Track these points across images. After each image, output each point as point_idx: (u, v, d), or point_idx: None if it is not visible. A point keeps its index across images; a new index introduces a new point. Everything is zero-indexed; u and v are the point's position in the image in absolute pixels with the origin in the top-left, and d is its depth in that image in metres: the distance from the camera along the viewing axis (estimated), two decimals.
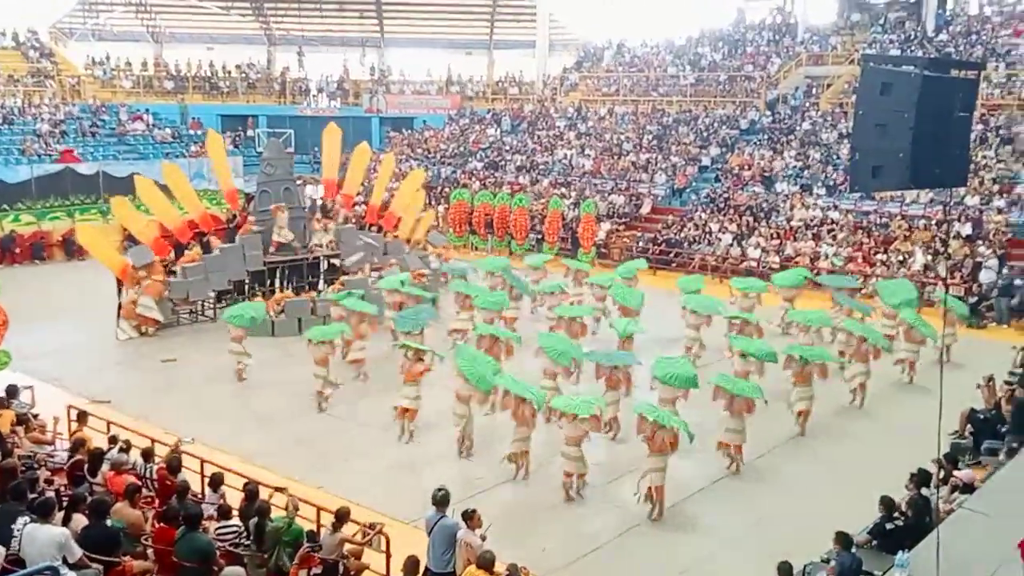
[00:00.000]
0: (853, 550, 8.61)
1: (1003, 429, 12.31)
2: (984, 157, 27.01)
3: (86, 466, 9.67)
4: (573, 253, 28.45)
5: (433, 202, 32.55)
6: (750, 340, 16.16)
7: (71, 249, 28.27)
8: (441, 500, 9.19)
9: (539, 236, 29.98)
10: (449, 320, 19.19)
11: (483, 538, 8.87)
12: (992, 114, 29.38)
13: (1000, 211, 24.93)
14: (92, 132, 33.88)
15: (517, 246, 30.33)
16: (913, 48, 33.15)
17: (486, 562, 8.08)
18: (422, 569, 8.51)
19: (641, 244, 28.94)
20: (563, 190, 32.90)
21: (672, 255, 27.62)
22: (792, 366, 14.50)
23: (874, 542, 9.35)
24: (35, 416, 11.99)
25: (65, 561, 7.03)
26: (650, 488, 11.43)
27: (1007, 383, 14.16)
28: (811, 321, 17.34)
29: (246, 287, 21.73)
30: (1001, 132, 28.22)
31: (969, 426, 12.70)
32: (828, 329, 18.14)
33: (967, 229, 24.53)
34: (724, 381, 13.02)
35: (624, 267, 21.75)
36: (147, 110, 37.19)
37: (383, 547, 9.32)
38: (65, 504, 8.23)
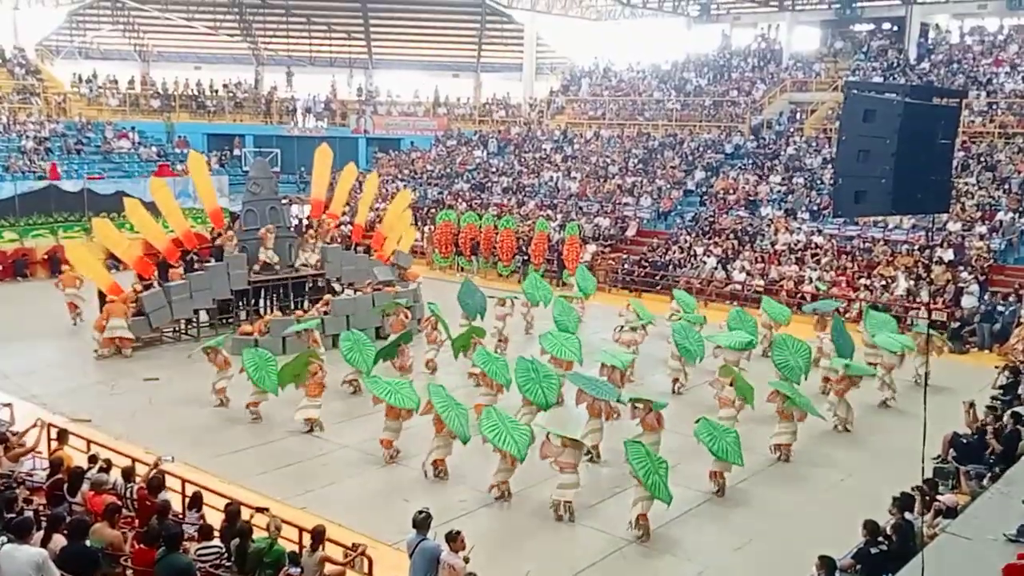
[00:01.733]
0: (837, 574, 8.61)
1: (987, 453, 12.37)
2: (966, 184, 27.29)
3: (65, 486, 9.55)
4: (558, 275, 28.52)
5: (419, 223, 32.57)
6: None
7: (55, 267, 28.07)
8: (422, 522, 9.13)
9: (525, 258, 30.02)
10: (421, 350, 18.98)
11: (466, 560, 8.82)
12: (973, 141, 29.74)
13: (982, 237, 25.17)
14: (77, 149, 33.78)
15: (503, 267, 30.36)
16: (896, 76, 33.55)
17: None
18: None
19: (626, 267, 29.02)
20: (549, 212, 33.01)
21: (657, 278, 27.70)
22: (776, 401, 14.48)
23: (858, 566, 9.35)
24: (14, 434, 11.83)
25: None
26: (640, 516, 11.50)
27: (988, 407, 14.26)
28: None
29: (231, 306, 21.67)
30: (982, 159, 28.55)
31: (952, 450, 12.74)
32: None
33: (949, 255, 24.73)
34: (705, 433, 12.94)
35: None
36: (133, 128, 37.12)
37: (365, 569, 9.26)
38: (44, 524, 8.12)
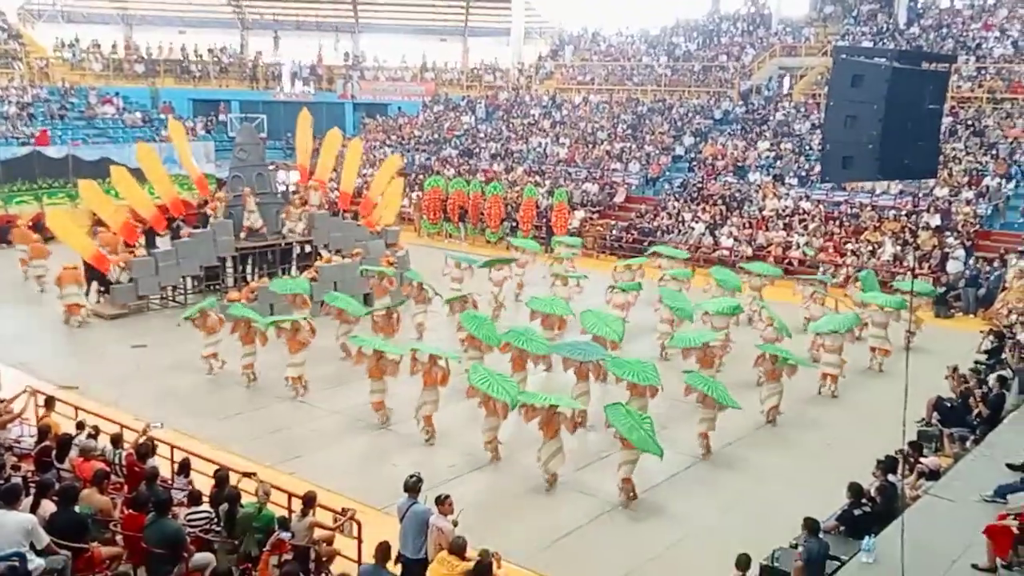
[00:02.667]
0: (821, 536, 8.72)
1: (970, 417, 12.50)
2: (953, 149, 27.32)
3: (54, 452, 9.56)
4: (547, 241, 28.50)
5: (407, 189, 32.42)
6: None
7: (40, 233, 27.82)
8: (413, 486, 9.19)
9: (513, 224, 29.96)
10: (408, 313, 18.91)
11: (455, 524, 8.88)
12: (962, 107, 29.75)
13: (968, 203, 25.25)
14: (60, 115, 33.42)
15: (491, 233, 30.31)
16: (885, 40, 33.44)
17: (458, 548, 8.09)
18: (394, 555, 8.52)
19: (614, 233, 29.01)
20: (537, 178, 32.90)
21: (646, 244, 27.70)
22: (763, 364, 14.57)
23: (841, 528, 9.48)
24: (1, 401, 11.81)
25: (33, 547, 6.97)
26: (624, 479, 11.59)
27: (972, 371, 14.41)
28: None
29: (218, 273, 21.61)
30: (970, 125, 28.56)
31: (936, 414, 12.87)
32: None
33: (936, 220, 24.82)
34: (695, 380, 13.19)
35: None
36: (117, 93, 36.72)
37: (355, 533, 9.31)
38: (33, 490, 8.14)
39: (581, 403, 13.71)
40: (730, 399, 12.84)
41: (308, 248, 22.69)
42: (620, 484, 11.62)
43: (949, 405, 12.96)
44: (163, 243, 22.13)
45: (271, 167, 25.43)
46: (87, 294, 20.50)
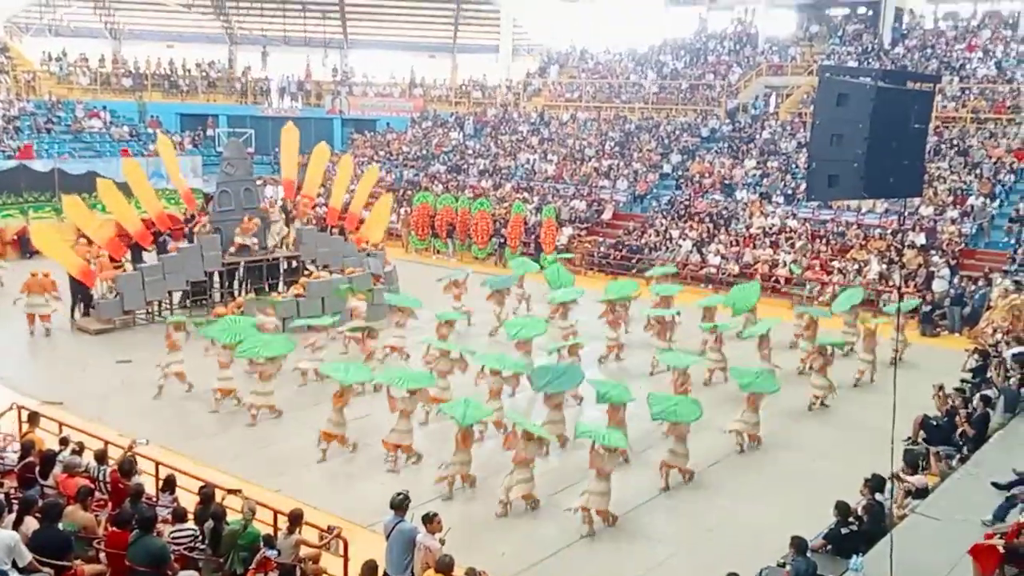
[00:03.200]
0: (808, 555, 8.71)
1: (956, 436, 12.54)
2: (938, 168, 27.54)
3: (37, 468, 9.48)
4: (536, 257, 28.50)
5: (395, 205, 32.41)
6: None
7: (25, 247, 27.71)
8: (399, 504, 9.15)
9: (501, 240, 30.00)
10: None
11: (442, 542, 8.85)
12: (946, 126, 30.02)
13: (953, 222, 25.43)
14: (47, 128, 33.31)
15: (479, 250, 30.32)
16: (870, 60, 33.76)
17: (445, 566, 8.05)
18: (380, 573, 8.47)
19: (602, 250, 29.07)
20: (525, 195, 32.97)
21: (633, 261, 27.77)
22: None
23: (829, 547, 9.48)
24: None
25: (15, 565, 6.90)
26: (589, 509, 11.24)
27: (958, 390, 14.47)
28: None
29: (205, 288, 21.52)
30: (955, 144, 28.80)
31: (922, 432, 12.91)
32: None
33: (921, 239, 24.97)
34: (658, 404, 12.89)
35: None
36: (104, 107, 36.63)
37: (341, 551, 9.26)
38: (16, 507, 8.06)
39: (555, 429, 13.56)
40: (694, 412, 12.63)
41: (295, 263, 22.64)
42: (594, 513, 11.26)
43: (935, 423, 13.00)
44: (149, 258, 22.03)
45: (258, 182, 25.37)
46: (72, 309, 20.39)
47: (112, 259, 20.95)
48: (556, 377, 13.82)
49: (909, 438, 13.02)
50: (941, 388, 14.12)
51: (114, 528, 8.27)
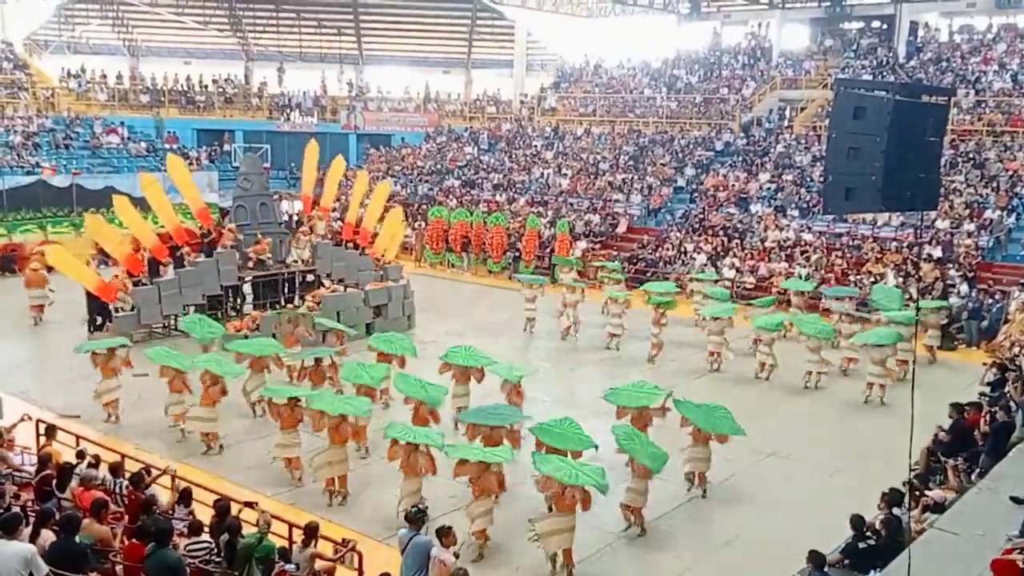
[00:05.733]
0: (826, 569, 8.65)
1: (974, 448, 12.40)
2: (954, 182, 27.41)
3: (54, 481, 9.52)
4: (550, 271, 28.52)
5: (409, 219, 32.52)
6: None
7: (7, 264, 27.91)
8: (415, 518, 9.15)
9: (516, 254, 30.02)
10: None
11: (456, 556, 8.83)
12: (962, 139, 29.88)
13: (970, 235, 25.30)
14: (66, 144, 33.61)
15: (493, 264, 30.36)
16: (885, 73, 33.67)
17: None
18: None
19: (617, 263, 29.00)
20: (540, 209, 33.02)
21: (648, 275, 27.71)
22: (687, 425, 12.88)
23: (846, 561, 9.40)
24: (5, 429, 11.79)
25: None
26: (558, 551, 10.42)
27: (973, 404, 14.30)
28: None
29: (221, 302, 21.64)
30: (971, 157, 28.67)
31: (931, 458, 12.73)
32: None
33: (937, 252, 24.85)
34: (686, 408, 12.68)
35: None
36: (122, 123, 36.95)
37: (355, 564, 9.25)
38: (33, 520, 8.10)
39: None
40: (658, 459, 11.37)
41: (311, 277, 22.75)
42: (554, 555, 10.42)
43: (944, 441, 12.81)
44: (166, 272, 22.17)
45: (275, 197, 25.53)
46: (90, 324, 20.54)
47: (130, 274, 21.13)
48: (488, 414, 12.60)
49: (917, 463, 12.86)
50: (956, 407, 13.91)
51: (133, 540, 8.29)
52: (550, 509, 10.87)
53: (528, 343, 21.54)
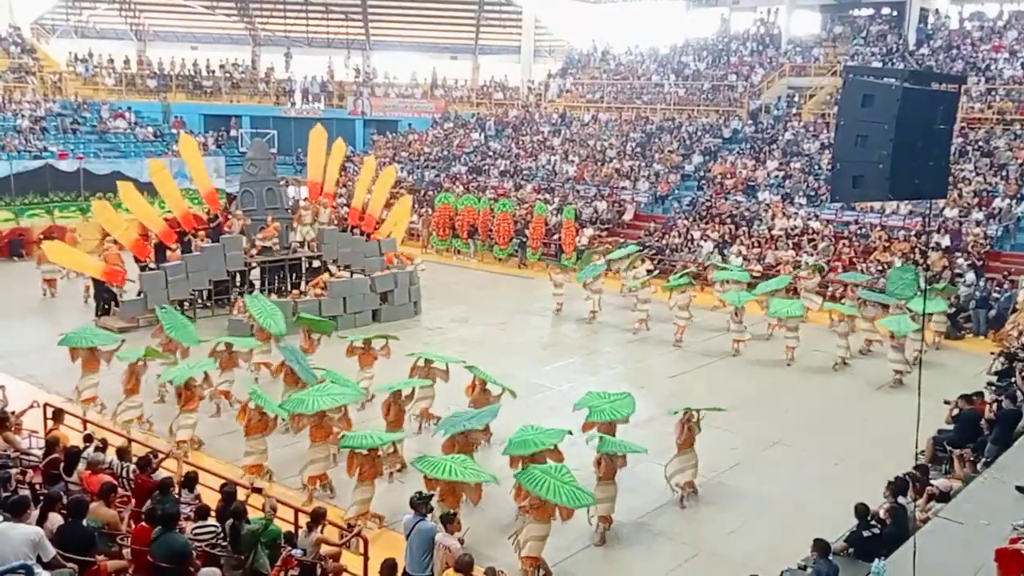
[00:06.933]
0: (830, 557, 8.66)
1: (984, 437, 12.38)
2: (963, 170, 27.27)
3: (62, 465, 9.57)
4: (556, 258, 28.49)
5: (416, 205, 32.48)
6: None
7: (15, 249, 28.00)
8: (420, 503, 9.18)
9: (522, 240, 29.99)
10: None
11: (461, 541, 8.86)
12: (972, 127, 29.70)
13: (978, 224, 25.19)
14: (73, 129, 33.63)
15: (500, 250, 30.33)
16: (895, 61, 33.48)
17: (464, 565, 8.06)
18: (400, 572, 8.49)
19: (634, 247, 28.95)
20: (546, 195, 32.96)
21: (656, 262, 27.64)
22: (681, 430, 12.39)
23: (851, 550, 9.41)
24: (13, 414, 11.85)
25: (39, 560, 6.96)
26: (532, 558, 9.96)
27: (978, 394, 14.26)
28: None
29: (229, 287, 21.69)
30: (980, 145, 28.52)
31: (936, 447, 12.74)
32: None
33: (946, 241, 24.75)
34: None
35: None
36: (129, 108, 36.94)
37: (361, 549, 9.29)
38: (40, 503, 8.14)
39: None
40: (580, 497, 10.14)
41: (316, 263, 22.77)
42: (524, 564, 9.92)
43: (956, 425, 12.81)
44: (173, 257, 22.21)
45: (281, 182, 25.53)
46: (97, 310, 20.64)
47: (138, 260, 21.22)
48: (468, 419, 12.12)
49: (922, 451, 12.86)
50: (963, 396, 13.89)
51: (141, 524, 8.33)
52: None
53: (543, 329, 21.71)
